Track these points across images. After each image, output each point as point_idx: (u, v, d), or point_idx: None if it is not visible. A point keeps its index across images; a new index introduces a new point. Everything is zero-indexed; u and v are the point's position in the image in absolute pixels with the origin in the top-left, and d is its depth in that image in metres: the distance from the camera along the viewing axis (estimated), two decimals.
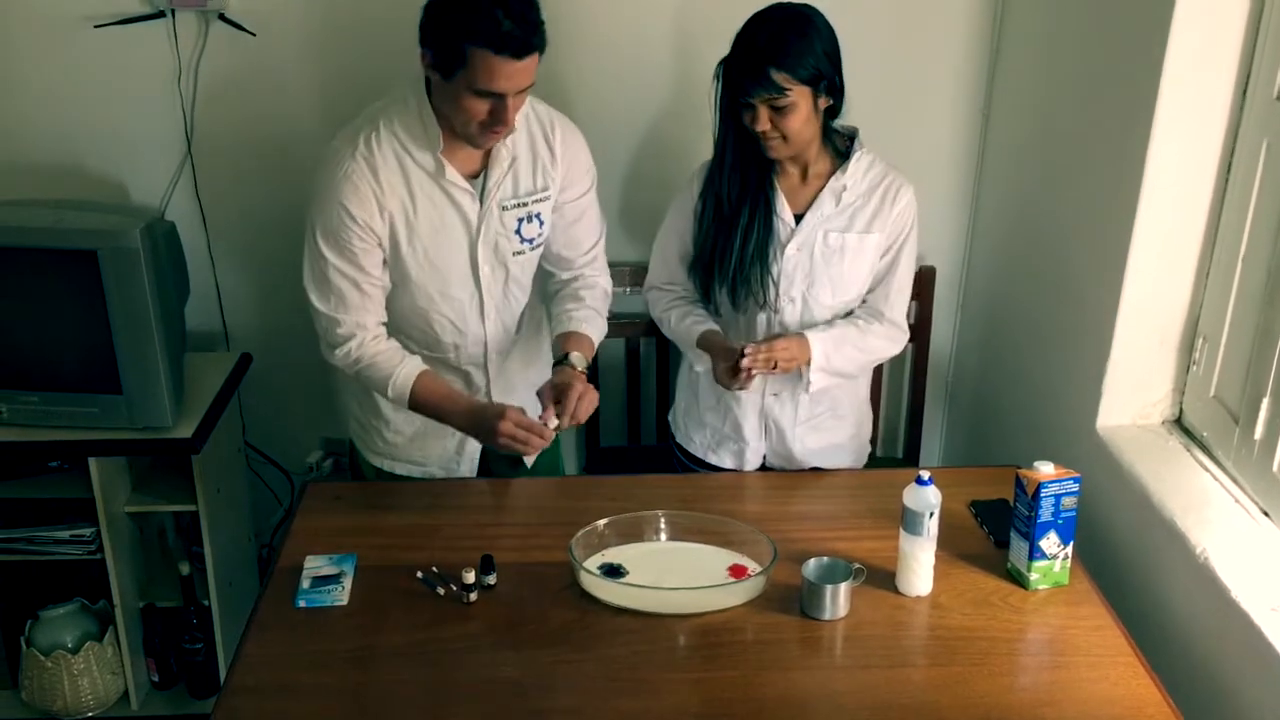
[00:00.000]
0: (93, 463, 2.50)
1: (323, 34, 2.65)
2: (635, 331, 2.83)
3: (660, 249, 2.37)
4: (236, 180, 2.79)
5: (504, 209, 2.12)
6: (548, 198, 2.17)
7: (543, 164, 2.14)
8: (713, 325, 2.28)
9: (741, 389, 2.20)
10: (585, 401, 2.06)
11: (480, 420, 2.07)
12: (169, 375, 2.46)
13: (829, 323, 2.27)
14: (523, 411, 2.06)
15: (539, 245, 2.22)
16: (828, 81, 2.07)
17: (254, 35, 2.62)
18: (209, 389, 2.65)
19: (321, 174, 2.05)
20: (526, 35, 1.86)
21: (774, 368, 2.16)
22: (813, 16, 2.07)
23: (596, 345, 2.23)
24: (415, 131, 2.03)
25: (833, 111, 2.15)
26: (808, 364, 2.22)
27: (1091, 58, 2.33)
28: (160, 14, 2.58)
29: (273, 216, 2.82)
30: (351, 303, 2.09)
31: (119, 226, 2.34)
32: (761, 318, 2.27)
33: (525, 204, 2.14)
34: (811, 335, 2.22)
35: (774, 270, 2.21)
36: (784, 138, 2.09)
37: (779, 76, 2.01)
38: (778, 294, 2.23)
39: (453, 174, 2.06)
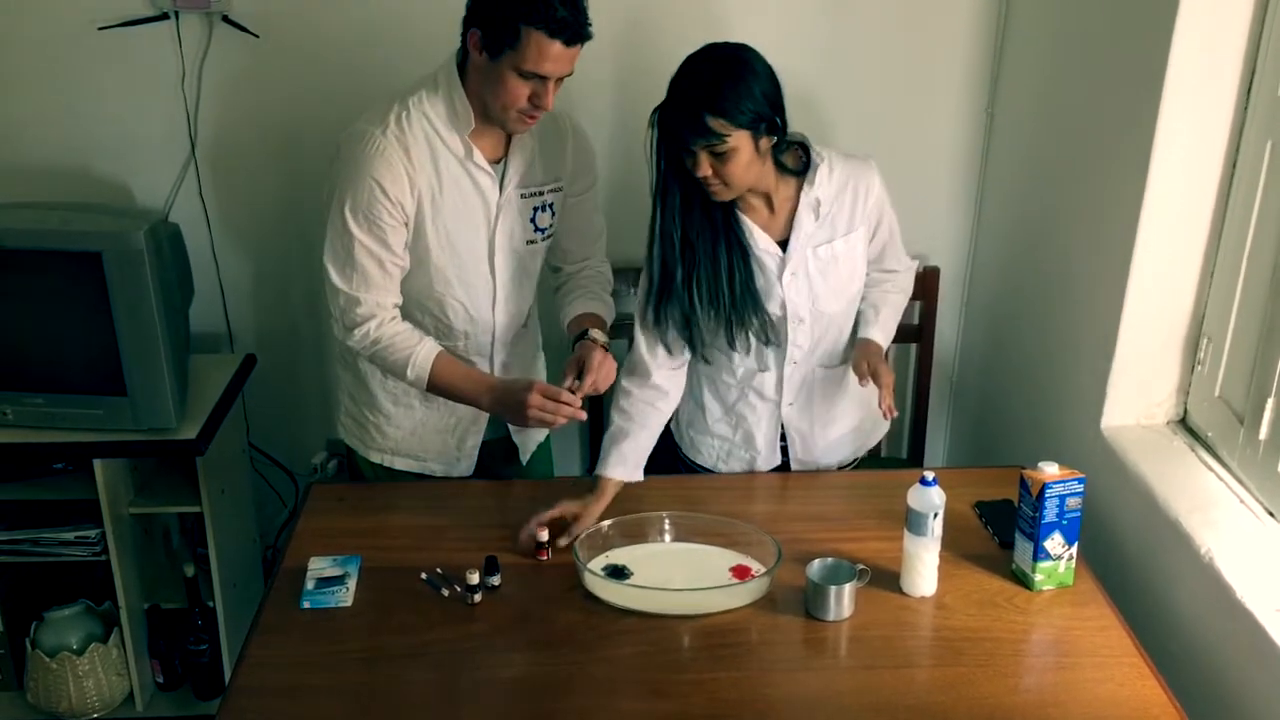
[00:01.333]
0: (97, 464, 2.50)
1: (326, 36, 2.65)
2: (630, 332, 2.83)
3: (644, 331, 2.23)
4: (240, 182, 2.79)
5: (522, 196, 2.17)
6: (560, 189, 2.23)
7: (556, 155, 2.20)
8: (623, 454, 2.17)
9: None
10: (605, 370, 2.11)
11: (507, 396, 2.08)
12: (173, 377, 2.46)
13: (874, 310, 2.29)
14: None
15: (549, 236, 2.26)
16: (767, 123, 2.00)
17: (257, 37, 2.62)
18: (213, 390, 2.65)
19: (349, 152, 2.05)
20: (579, 24, 1.94)
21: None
22: (749, 59, 1.99)
23: (609, 326, 2.28)
24: (445, 113, 2.06)
25: (778, 145, 2.08)
26: None
27: (1096, 57, 2.33)
28: (164, 16, 2.59)
29: (276, 218, 2.83)
30: (374, 281, 2.09)
31: (123, 228, 2.35)
32: (772, 351, 2.23)
33: (541, 193, 2.19)
34: (875, 335, 2.27)
35: (772, 304, 2.17)
36: (725, 183, 2.02)
37: (716, 124, 1.94)
38: (785, 317, 2.19)
39: (479, 157, 2.09)
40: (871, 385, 2.40)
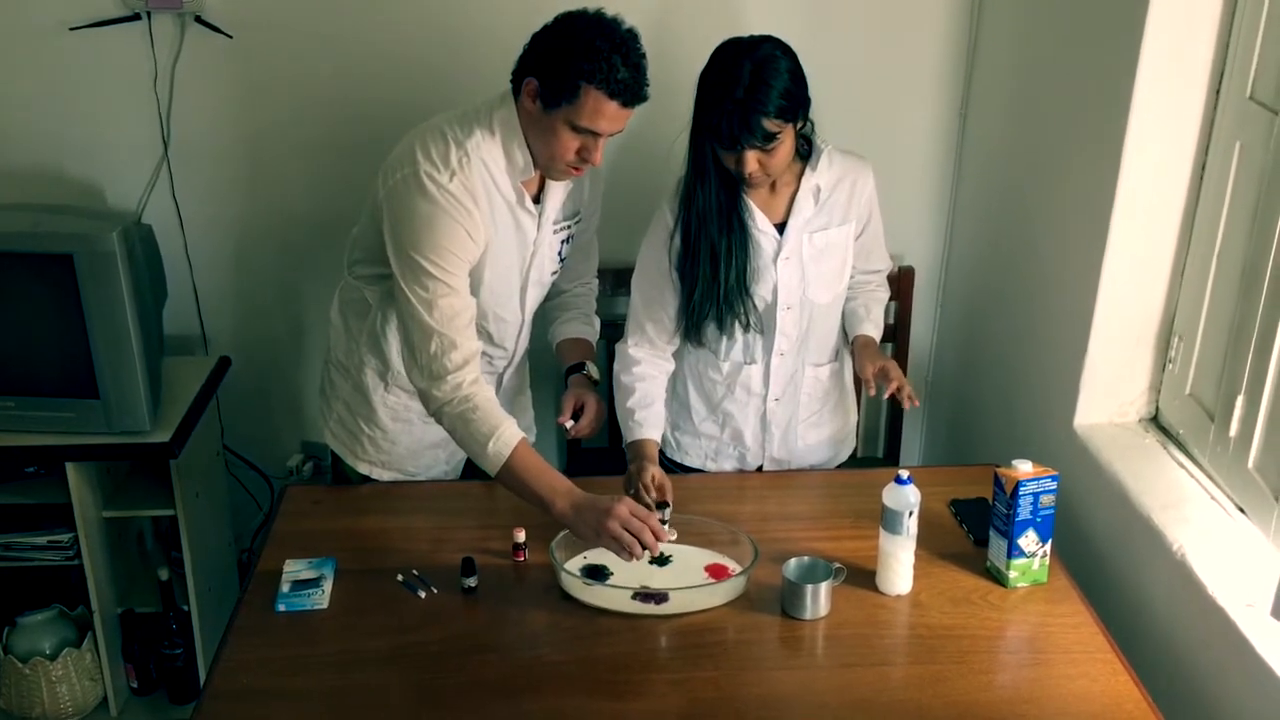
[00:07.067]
0: (70, 468, 2.48)
1: (299, 36, 2.64)
2: (615, 334, 2.83)
3: (641, 299, 2.26)
4: (214, 183, 2.77)
5: (554, 231, 2.19)
6: (580, 219, 2.26)
7: (580, 187, 2.22)
8: (653, 435, 2.22)
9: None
10: (600, 420, 2.21)
11: (586, 505, 1.93)
12: (146, 379, 2.44)
13: (866, 309, 2.33)
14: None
15: (565, 265, 2.29)
16: (804, 109, 2.06)
17: (230, 37, 2.61)
18: (187, 393, 2.63)
19: (415, 198, 1.98)
20: (639, 87, 1.94)
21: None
22: (776, 50, 2.01)
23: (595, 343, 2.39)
24: (503, 162, 2.05)
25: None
26: None
27: (1067, 59, 2.34)
28: (136, 16, 2.57)
29: (250, 219, 2.82)
30: (461, 324, 2.02)
31: (95, 230, 2.33)
32: (759, 341, 2.26)
33: (569, 226, 2.22)
34: (870, 330, 2.31)
35: (763, 288, 2.19)
36: (768, 173, 2.07)
37: (770, 124, 1.98)
38: (775, 304, 2.21)
39: (528, 201, 2.10)
40: (851, 396, 2.43)
